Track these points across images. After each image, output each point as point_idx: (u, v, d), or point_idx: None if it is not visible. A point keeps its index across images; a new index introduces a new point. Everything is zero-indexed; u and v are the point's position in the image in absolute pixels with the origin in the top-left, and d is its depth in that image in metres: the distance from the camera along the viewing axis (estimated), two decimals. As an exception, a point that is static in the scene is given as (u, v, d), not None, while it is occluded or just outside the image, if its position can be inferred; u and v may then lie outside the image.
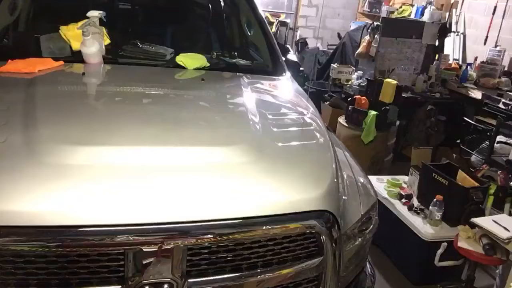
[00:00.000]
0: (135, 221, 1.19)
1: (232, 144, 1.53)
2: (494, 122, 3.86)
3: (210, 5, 3.11)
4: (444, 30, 5.33)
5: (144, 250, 1.18)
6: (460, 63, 5.83)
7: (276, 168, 1.47)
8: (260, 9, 2.92)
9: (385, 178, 3.48)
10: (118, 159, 1.33)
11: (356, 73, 5.58)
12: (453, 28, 5.89)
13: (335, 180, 1.55)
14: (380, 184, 3.39)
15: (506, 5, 5.41)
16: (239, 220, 1.29)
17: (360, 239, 1.62)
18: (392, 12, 6.62)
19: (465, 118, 4.45)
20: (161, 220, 1.21)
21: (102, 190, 1.22)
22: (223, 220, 1.27)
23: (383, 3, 7.34)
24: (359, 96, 4.63)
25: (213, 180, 1.35)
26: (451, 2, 5.49)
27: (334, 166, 1.61)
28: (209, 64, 2.38)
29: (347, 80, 5.63)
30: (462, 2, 6.01)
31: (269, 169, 1.45)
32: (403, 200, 3.19)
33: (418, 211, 3.06)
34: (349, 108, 4.45)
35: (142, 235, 1.19)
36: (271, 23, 7.38)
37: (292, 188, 1.42)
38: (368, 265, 1.86)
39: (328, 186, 1.48)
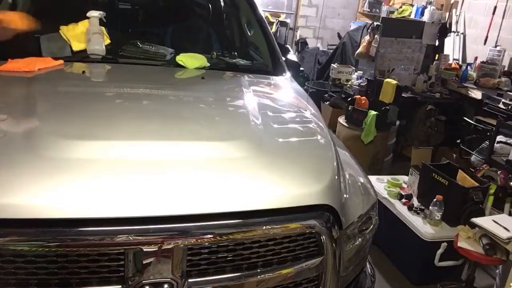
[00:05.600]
0: (135, 214, 1.19)
1: (232, 139, 1.53)
2: (494, 122, 3.86)
3: (210, 5, 3.11)
4: (444, 30, 5.33)
5: (144, 250, 1.18)
6: (460, 63, 5.83)
7: (277, 163, 1.47)
8: (260, 9, 2.92)
9: (385, 178, 3.49)
10: (118, 154, 1.33)
11: (356, 73, 5.58)
12: (453, 28, 5.89)
13: (337, 176, 1.55)
14: (380, 184, 3.39)
15: (506, 5, 5.41)
16: (239, 220, 1.29)
17: (360, 239, 1.62)
18: (392, 12, 6.63)
19: (465, 118, 4.45)
20: (161, 214, 1.21)
21: (102, 184, 1.22)
22: (223, 216, 1.27)
23: (383, 3, 7.34)
24: (359, 96, 4.63)
25: (214, 174, 1.35)
26: (451, 2, 5.50)
27: (335, 163, 1.61)
28: (209, 64, 2.38)
29: (347, 80, 5.64)
30: (462, 2, 6.01)
31: (271, 164, 1.45)
32: (403, 200, 3.19)
33: (418, 211, 3.06)
34: (349, 108, 4.45)
35: (142, 235, 1.19)
36: (271, 23, 7.39)
37: (294, 182, 1.42)
38: (368, 265, 1.86)
39: (329, 181, 1.47)
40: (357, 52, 5.49)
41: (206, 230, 1.25)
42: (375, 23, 5.18)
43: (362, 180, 1.83)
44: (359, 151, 4.05)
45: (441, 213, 2.88)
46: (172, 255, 1.21)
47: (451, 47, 6.04)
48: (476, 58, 5.61)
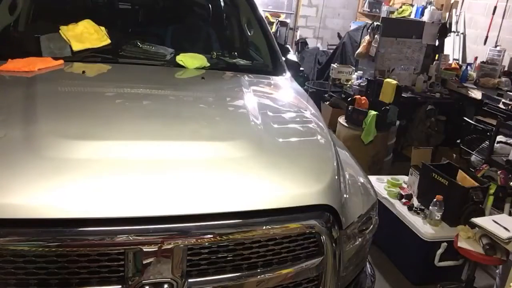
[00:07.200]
0: (135, 214, 1.20)
1: (232, 139, 1.53)
2: (494, 122, 3.86)
3: (210, 5, 3.11)
4: (444, 30, 5.33)
5: (144, 250, 1.18)
6: (460, 63, 5.83)
7: (278, 163, 1.47)
8: (260, 9, 2.92)
9: (385, 178, 3.48)
10: (118, 154, 1.33)
11: (356, 73, 5.58)
12: (453, 28, 5.89)
13: (337, 176, 1.55)
14: (380, 184, 3.39)
15: (506, 5, 5.41)
16: (239, 220, 1.29)
17: (360, 239, 1.62)
18: (392, 12, 6.62)
19: (465, 118, 4.45)
20: (161, 214, 1.22)
21: (102, 184, 1.23)
22: (223, 216, 1.27)
23: (383, 3, 7.34)
24: (359, 96, 4.63)
25: (214, 173, 1.35)
26: (451, 2, 5.50)
27: (335, 163, 1.61)
28: (209, 64, 2.38)
29: (347, 80, 5.63)
30: (462, 2, 6.01)
31: (271, 164, 1.46)
32: (403, 200, 3.19)
33: (418, 211, 3.06)
34: (349, 108, 4.45)
35: (142, 235, 1.19)
36: (271, 23, 7.38)
37: (293, 182, 1.42)
38: (368, 265, 1.86)
39: (329, 181, 1.48)
40: (357, 52, 5.48)
41: (206, 230, 1.25)
42: (375, 23, 5.18)
43: (362, 180, 1.83)
44: (359, 151, 4.05)
45: (441, 213, 2.87)
46: (172, 255, 1.21)
47: (451, 47, 6.04)
48: (476, 58, 5.61)
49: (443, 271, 2.86)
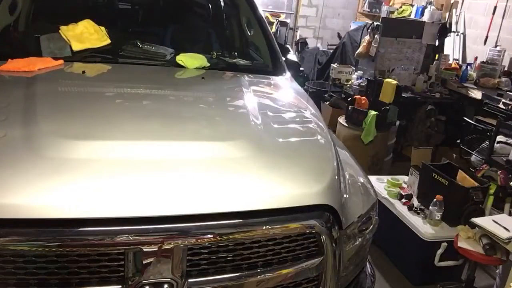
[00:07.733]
0: (135, 214, 1.20)
1: (232, 139, 1.53)
2: (494, 122, 3.86)
3: (210, 5, 3.12)
4: (444, 30, 5.33)
5: (144, 250, 1.18)
6: (460, 63, 5.83)
7: (278, 163, 1.47)
8: (260, 9, 2.92)
9: (385, 178, 3.48)
10: (118, 154, 1.33)
11: (356, 73, 5.58)
12: (453, 28, 5.89)
13: (337, 176, 1.55)
14: (380, 184, 3.39)
15: (506, 5, 5.41)
16: (239, 220, 1.29)
17: (360, 239, 1.62)
18: (392, 12, 6.62)
19: (465, 118, 4.45)
20: (161, 214, 1.22)
21: (102, 184, 1.23)
22: (223, 216, 1.27)
23: (383, 3, 7.34)
24: (359, 96, 4.63)
25: (214, 173, 1.35)
26: (451, 2, 5.50)
27: (335, 163, 1.61)
28: (209, 64, 2.38)
29: (347, 80, 5.63)
30: (462, 2, 6.01)
31: (271, 164, 1.46)
32: (403, 200, 3.19)
33: (418, 211, 3.06)
34: (349, 108, 4.45)
35: (142, 235, 1.19)
36: (271, 23, 7.38)
37: (293, 182, 1.42)
38: (368, 265, 1.86)
39: (329, 181, 1.48)
40: (357, 52, 5.48)
41: (206, 230, 1.25)
42: (375, 23, 5.18)
43: (362, 180, 1.83)
44: (359, 151, 4.05)
45: (441, 213, 2.87)
46: (172, 255, 1.21)
47: (451, 47, 6.04)
48: (476, 58, 5.61)
49: (443, 271, 2.86)
